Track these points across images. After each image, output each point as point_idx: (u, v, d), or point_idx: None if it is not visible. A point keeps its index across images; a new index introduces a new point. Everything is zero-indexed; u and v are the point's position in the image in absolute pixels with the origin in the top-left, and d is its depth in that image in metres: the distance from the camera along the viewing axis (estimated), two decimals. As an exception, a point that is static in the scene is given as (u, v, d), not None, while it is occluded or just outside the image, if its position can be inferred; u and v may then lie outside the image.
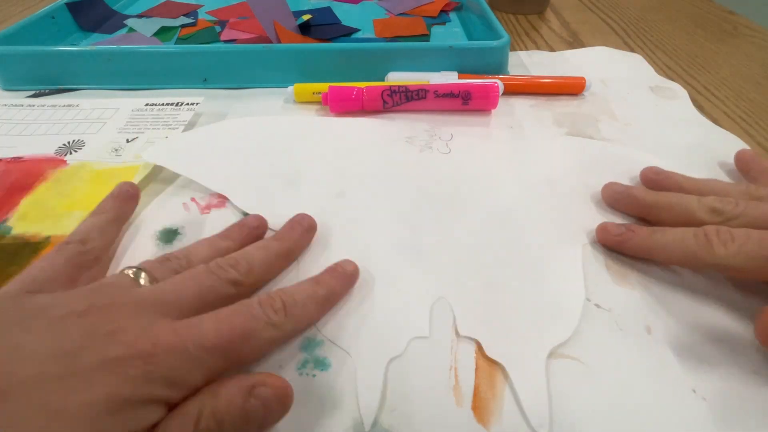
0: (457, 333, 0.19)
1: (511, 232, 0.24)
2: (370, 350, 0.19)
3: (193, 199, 0.26)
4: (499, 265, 0.22)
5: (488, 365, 0.19)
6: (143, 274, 0.18)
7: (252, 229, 0.23)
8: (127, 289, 0.17)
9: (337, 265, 0.21)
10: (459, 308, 0.20)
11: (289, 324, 0.18)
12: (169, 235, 0.24)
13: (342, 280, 0.20)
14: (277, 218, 0.24)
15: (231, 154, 0.29)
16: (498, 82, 0.33)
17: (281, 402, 0.16)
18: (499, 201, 0.26)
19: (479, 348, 0.19)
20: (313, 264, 0.22)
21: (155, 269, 0.18)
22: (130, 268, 0.18)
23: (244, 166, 0.28)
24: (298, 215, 0.23)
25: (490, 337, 0.19)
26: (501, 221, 0.25)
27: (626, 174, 0.28)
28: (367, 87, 0.33)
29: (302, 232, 0.22)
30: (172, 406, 0.15)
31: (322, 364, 0.18)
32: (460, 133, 0.31)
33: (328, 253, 0.23)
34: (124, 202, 0.23)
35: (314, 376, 0.18)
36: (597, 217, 0.25)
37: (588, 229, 0.24)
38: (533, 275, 0.22)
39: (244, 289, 0.19)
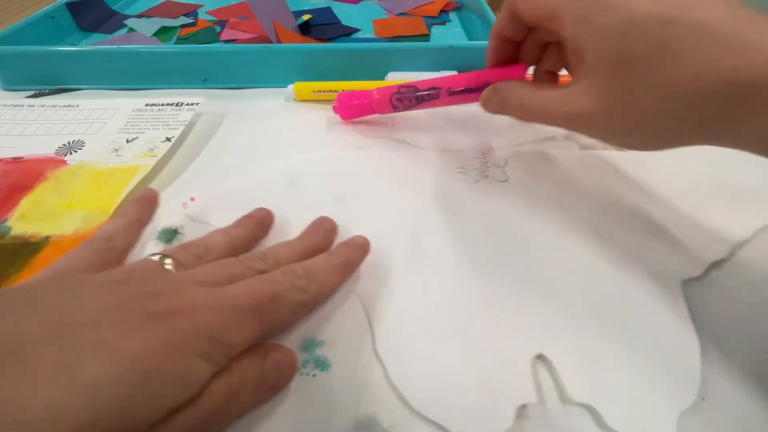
0: (567, 399, 0.17)
1: (598, 272, 0.21)
2: (474, 425, 0.16)
3: (192, 199, 0.26)
4: (595, 314, 0.20)
5: (489, 365, 0.18)
6: (168, 259, 0.18)
7: (261, 219, 0.23)
8: (158, 271, 0.18)
9: (348, 239, 0.22)
10: (564, 368, 0.18)
11: (313, 287, 0.19)
12: (169, 234, 0.24)
13: (355, 250, 0.21)
14: None
15: (275, 203, 0.25)
16: (525, 66, 0.27)
17: (290, 364, 0.17)
18: (577, 234, 0.23)
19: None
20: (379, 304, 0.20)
21: (178, 254, 0.19)
22: (153, 255, 0.19)
23: (292, 217, 0.24)
24: (318, 219, 0.23)
25: (610, 406, 0.17)
26: (584, 259, 0.22)
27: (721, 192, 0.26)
28: (377, 90, 0.30)
29: (324, 232, 0.23)
30: (215, 372, 0.15)
31: (322, 364, 0.18)
32: (514, 158, 0.29)
33: (401, 309, 0.20)
34: (146, 206, 0.23)
35: (314, 376, 0.18)
36: (690, 244, 0.22)
37: (681, 260, 0.22)
38: (637, 324, 0.19)
39: None
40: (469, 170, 0.28)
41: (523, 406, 0.17)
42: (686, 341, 0.19)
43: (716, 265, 0.22)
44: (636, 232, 0.23)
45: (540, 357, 0.18)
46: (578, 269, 0.22)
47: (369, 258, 0.22)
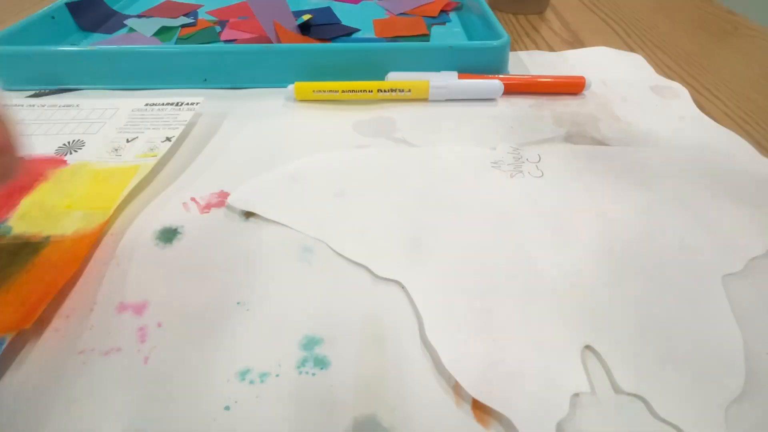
0: (617, 388, 0.18)
1: (639, 266, 0.22)
2: (534, 413, 0.17)
3: (192, 199, 0.26)
4: (637, 307, 0.20)
5: (489, 365, 0.18)
6: None
7: None
8: None
9: None
10: (612, 359, 0.18)
11: None
12: (169, 234, 0.24)
13: None
14: (376, 263, 0.22)
15: (317, 194, 0.26)
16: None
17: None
18: (617, 229, 0.24)
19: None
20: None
21: None
22: None
23: (332, 207, 0.25)
24: None
25: (660, 396, 0.17)
26: (625, 253, 0.23)
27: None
28: None
29: None
30: None
31: (321, 363, 0.18)
32: (547, 153, 0.29)
33: (449, 298, 0.20)
34: None
35: (314, 375, 0.18)
36: (730, 240, 0.23)
37: (721, 255, 0.22)
38: (679, 317, 0.20)
39: None
40: (503, 165, 0.28)
41: (576, 395, 0.17)
42: (729, 334, 0.19)
43: (756, 260, 0.22)
44: (676, 228, 0.24)
45: (588, 348, 0.19)
46: (619, 263, 0.22)
47: (413, 247, 0.22)
